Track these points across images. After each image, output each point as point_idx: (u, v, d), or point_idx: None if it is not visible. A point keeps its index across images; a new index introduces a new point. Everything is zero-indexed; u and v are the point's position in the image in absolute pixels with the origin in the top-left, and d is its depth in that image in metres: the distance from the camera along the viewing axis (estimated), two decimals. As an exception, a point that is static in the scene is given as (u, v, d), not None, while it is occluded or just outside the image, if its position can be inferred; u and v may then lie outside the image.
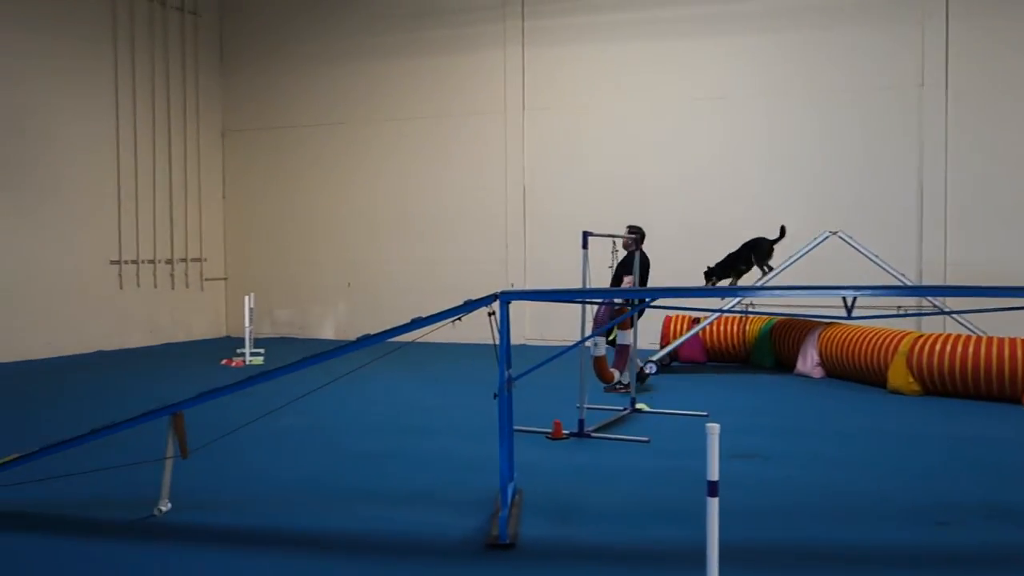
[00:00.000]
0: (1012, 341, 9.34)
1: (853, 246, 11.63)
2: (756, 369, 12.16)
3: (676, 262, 13.41)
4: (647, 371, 11.39)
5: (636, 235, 9.72)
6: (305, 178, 17.21)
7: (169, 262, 16.53)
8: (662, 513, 5.69)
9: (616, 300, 8.04)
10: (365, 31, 16.62)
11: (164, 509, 5.61)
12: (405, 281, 16.29)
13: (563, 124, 15.36)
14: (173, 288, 16.63)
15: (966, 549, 4.99)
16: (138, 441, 6.43)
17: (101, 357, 14.43)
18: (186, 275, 16.89)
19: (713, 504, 3.18)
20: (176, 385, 10.88)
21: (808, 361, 11.37)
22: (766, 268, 11.89)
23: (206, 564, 4.83)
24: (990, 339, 9.53)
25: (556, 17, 15.31)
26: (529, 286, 14.81)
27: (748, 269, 12.13)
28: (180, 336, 16.61)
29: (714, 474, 3.16)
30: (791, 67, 14.14)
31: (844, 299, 5.53)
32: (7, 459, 5.77)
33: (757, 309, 12.02)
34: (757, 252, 11.97)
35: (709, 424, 3.21)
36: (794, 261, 11.59)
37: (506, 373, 5.22)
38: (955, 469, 6.80)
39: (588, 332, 8.28)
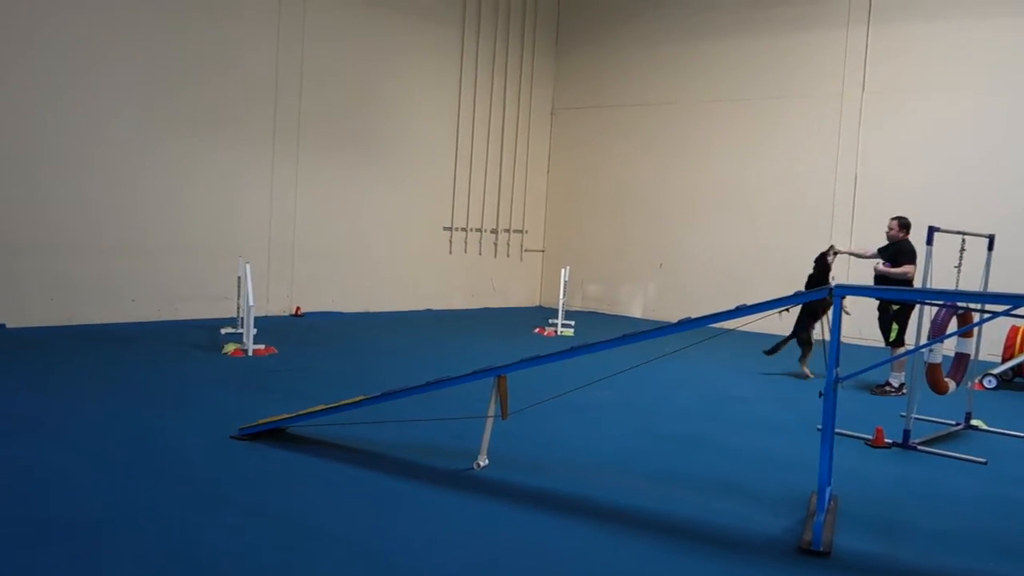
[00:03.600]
0: None
1: None
2: (1123, 397, 10.56)
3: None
4: (986, 385, 10.35)
5: (901, 224, 9.78)
6: (626, 156, 17.38)
7: (494, 231, 17.50)
8: (1003, 547, 5.11)
9: (960, 304, 7.30)
10: (697, 12, 16.38)
11: (483, 464, 5.94)
12: (718, 266, 15.98)
13: (906, 108, 14.17)
14: (495, 256, 17.59)
15: None
16: (460, 397, 6.87)
17: (430, 315, 15.63)
18: (508, 245, 17.79)
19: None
20: (493, 348, 11.53)
21: None
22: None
23: (517, 522, 5.05)
24: None
25: (908, -7, 14.13)
26: (851, 281, 13.89)
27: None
28: (497, 302, 17.55)
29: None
30: None
31: None
32: (353, 400, 6.41)
33: None
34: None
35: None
36: None
37: (835, 372, 4.91)
38: None
39: (925, 337, 7.62)
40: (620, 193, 17.47)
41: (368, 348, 11.53)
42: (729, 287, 15.02)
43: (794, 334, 10.65)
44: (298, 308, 14.15)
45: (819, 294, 5.12)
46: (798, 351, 10.67)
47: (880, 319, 9.79)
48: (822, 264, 10.58)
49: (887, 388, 9.80)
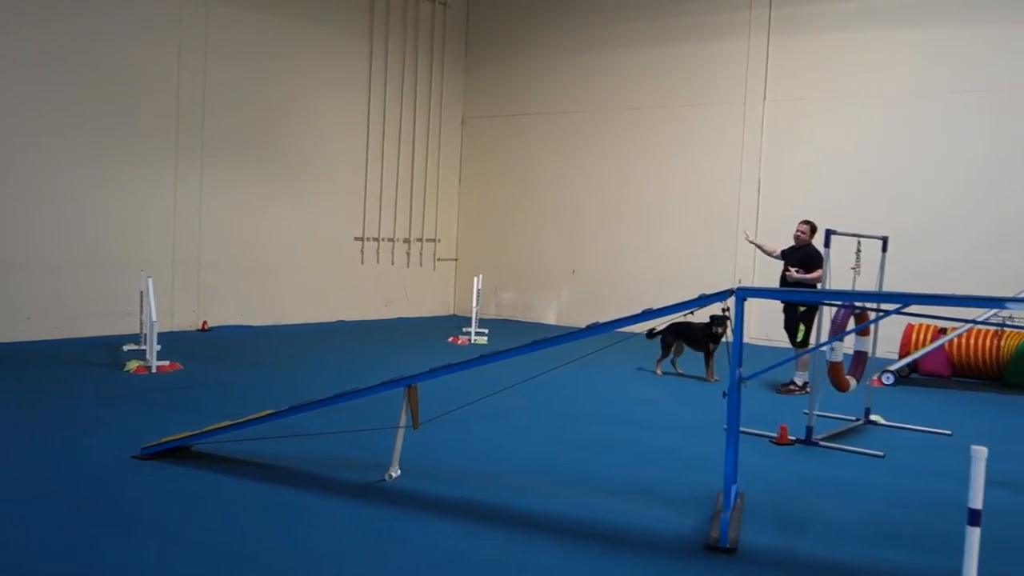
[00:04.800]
0: None
1: None
2: (1010, 389, 11.09)
3: (920, 267, 12.56)
4: (884, 381, 10.75)
5: (812, 228, 10.06)
6: (538, 165, 17.51)
7: (406, 241, 17.40)
8: (898, 535, 5.31)
9: (858, 304, 7.56)
10: (606, 21, 16.63)
11: (394, 475, 5.89)
12: (630, 271, 16.22)
13: (806, 117, 14.65)
14: (408, 266, 17.49)
15: None
16: (372, 408, 6.80)
17: (342, 327, 15.44)
18: (420, 254, 17.71)
19: (974, 534, 2.90)
20: (407, 358, 11.44)
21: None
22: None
23: (430, 532, 5.02)
24: None
25: (806, 5, 14.59)
26: (757, 283, 14.30)
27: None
28: (411, 312, 17.45)
29: (977, 502, 2.88)
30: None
31: None
32: (261, 414, 6.28)
33: (1017, 322, 10.93)
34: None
35: (976, 447, 2.93)
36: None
37: (738, 372, 5.04)
38: None
39: (825, 336, 7.86)
40: (532, 200, 17.58)
41: (278, 362, 11.31)
42: (642, 292, 15.24)
43: (662, 332, 10.99)
44: (205, 322, 13.79)
45: (721, 296, 5.23)
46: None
47: (786, 321, 10.05)
48: (708, 329, 10.70)
49: (791, 387, 10.08)
